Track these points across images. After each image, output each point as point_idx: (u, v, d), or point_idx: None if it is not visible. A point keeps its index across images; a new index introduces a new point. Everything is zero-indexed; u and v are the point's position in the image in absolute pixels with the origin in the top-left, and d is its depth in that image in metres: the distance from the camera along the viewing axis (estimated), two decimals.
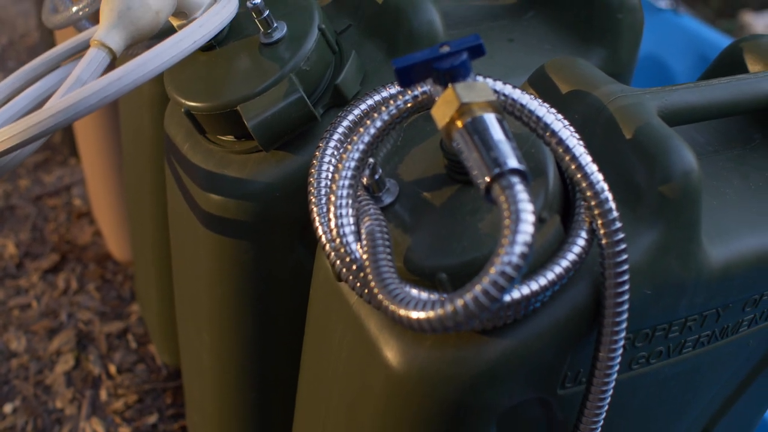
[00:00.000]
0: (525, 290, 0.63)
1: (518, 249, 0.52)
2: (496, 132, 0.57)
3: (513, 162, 0.55)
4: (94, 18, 0.90)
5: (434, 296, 0.61)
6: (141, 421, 1.44)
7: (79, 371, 1.51)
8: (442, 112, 0.59)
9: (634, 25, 0.98)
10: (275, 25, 0.84)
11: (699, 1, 3.21)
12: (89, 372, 1.51)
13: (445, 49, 0.60)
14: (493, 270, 0.52)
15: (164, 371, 1.53)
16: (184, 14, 0.84)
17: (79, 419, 1.43)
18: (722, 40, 1.87)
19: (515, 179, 0.55)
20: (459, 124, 0.58)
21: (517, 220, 0.53)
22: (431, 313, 0.54)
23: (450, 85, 0.59)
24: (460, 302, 0.53)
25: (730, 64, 0.90)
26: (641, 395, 0.81)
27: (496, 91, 0.65)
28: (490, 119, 0.58)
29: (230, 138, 0.87)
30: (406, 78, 0.61)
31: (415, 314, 0.55)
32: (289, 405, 1.02)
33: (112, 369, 1.52)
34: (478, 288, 0.53)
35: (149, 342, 1.58)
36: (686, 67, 1.97)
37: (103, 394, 1.48)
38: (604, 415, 0.71)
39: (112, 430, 1.42)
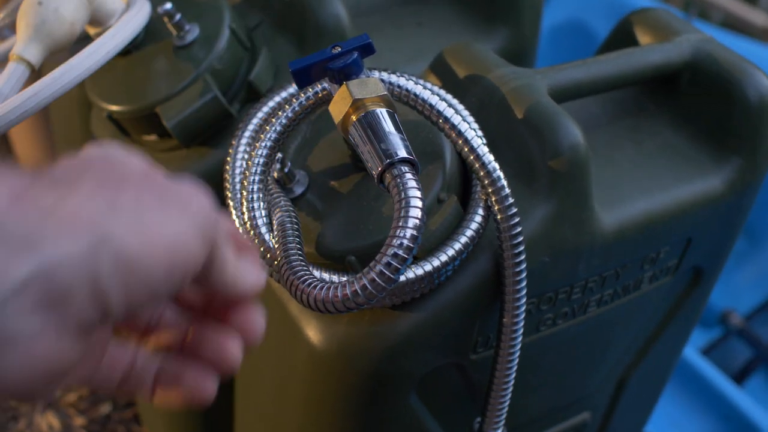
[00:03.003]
0: (428, 267, 0.68)
1: (408, 232, 0.57)
2: (387, 125, 0.62)
3: (402, 152, 0.60)
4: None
5: (339, 279, 0.66)
6: (95, 411, 1.48)
7: None
8: (338, 109, 0.64)
9: (535, 1, 1.03)
10: (187, 27, 0.88)
11: None
12: None
13: (337, 49, 0.65)
14: (386, 253, 0.57)
15: None
16: (98, 23, 0.87)
17: (34, 414, 1.47)
18: (644, 3, 1.93)
19: (404, 168, 0.60)
20: (353, 118, 0.63)
21: (406, 206, 0.58)
22: (335, 296, 0.59)
23: (344, 83, 0.64)
24: (359, 284, 0.58)
25: (622, 38, 0.95)
26: (553, 354, 0.87)
27: (390, 83, 0.69)
28: (382, 113, 0.62)
29: (153, 137, 0.91)
30: (304, 79, 0.66)
31: (321, 296, 0.60)
32: (229, 395, 1.07)
33: None
34: (375, 270, 0.58)
35: None
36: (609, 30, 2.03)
37: None
38: (513, 376, 0.77)
39: (68, 422, 1.46)
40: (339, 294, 0.59)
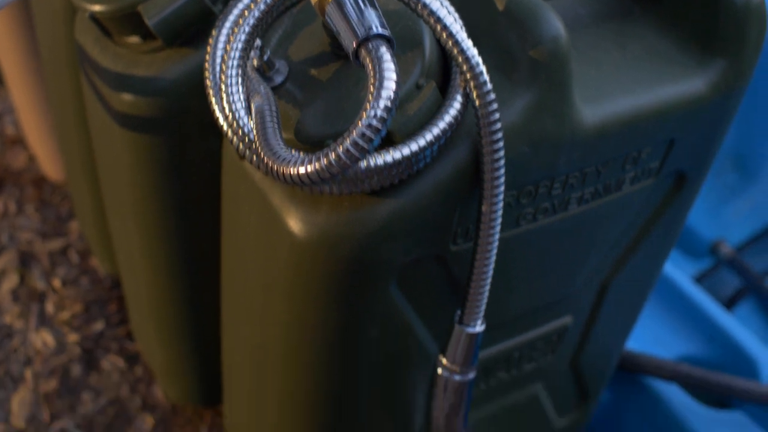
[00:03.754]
0: (406, 150, 0.69)
1: (382, 103, 0.58)
2: (362, 2, 0.62)
3: (377, 27, 0.61)
4: None
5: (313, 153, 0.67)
6: (88, 329, 1.50)
7: (24, 288, 1.56)
8: None
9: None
10: None
11: None
12: (34, 288, 1.57)
13: None
14: (360, 124, 0.58)
15: (107, 282, 1.58)
16: None
17: (27, 331, 1.49)
18: None
19: (379, 43, 0.60)
20: None
21: (381, 78, 0.59)
22: (309, 167, 0.60)
23: None
24: (333, 155, 0.59)
25: None
26: (533, 251, 0.89)
27: None
28: None
29: (136, 39, 0.91)
30: None
31: (295, 169, 0.61)
32: (217, 291, 1.09)
33: (57, 283, 1.57)
34: (348, 140, 0.59)
35: (91, 256, 1.63)
36: None
37: (50, 307, 1.53)
38: (492, 267, 0.78)
39: (61, 339, 1.48)
40: (313, 165, 0.60)
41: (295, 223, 0.76)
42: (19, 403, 1.38)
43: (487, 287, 0.80)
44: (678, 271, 1.63)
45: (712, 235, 1.90)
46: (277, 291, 0.83)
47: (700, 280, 1.86)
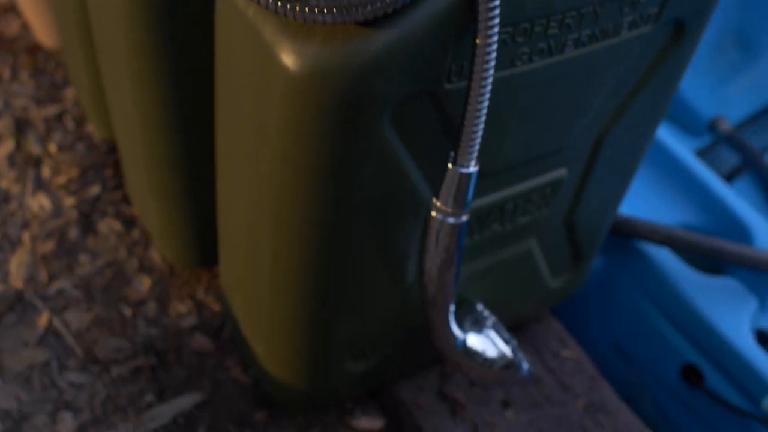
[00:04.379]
0: None
1: None
2: None
3: None
4: None
5: None
6: (85, 193, 1.51)
7: (20, 153, 1.56)
8: None
9: None
10: None
11: None
12: (30, 153, 1.57)
13: None
14: None
15: (103, 147, 1.58)
16: None
17: (24, 196, 1.49)
18: None
19: None
20: None
21: None
22: None
23: None
24: None
25: None
26: (529, 95, 0.88)
27: None
28: None
29: None
30: None
31: None
32: (214, 149, 1.09)
33: (53, 148, 1.57)
34: None
35: (86, 122, 1.63)
36: None
37: (46, 172, 1.54)
38: (486, 103, 0.78)
39: (58, 203, 1.49)
40: None
41: (287, 57, 0.75)
42: (17, 264, 1.40)
43: (481, 126, 0.79)
44: (678, 143, 1.63)
45: (711, 112, 1.90)
46: (271, 129, 0.82)
47: (699, 155, 1.85)
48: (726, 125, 1.87)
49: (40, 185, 1.51)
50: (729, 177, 1.85)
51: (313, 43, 0.74)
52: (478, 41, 0.74)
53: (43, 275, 1.39)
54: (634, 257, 1.43)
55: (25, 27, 1.81)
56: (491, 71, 0.76)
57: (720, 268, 1.47)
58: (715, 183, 1.54)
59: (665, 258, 1.41)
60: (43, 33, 1.72)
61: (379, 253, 0.97)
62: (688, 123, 1.88)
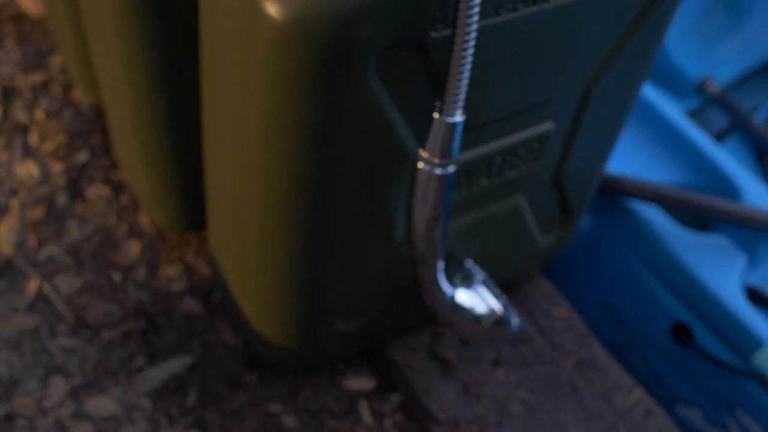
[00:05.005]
0: None
1: None
2: None
3: None
4: None
5: None
6: (73, 159, 1.50)
7: (7, 122, 1.55)
8: None
9: None
10: None
11: None
12: (17, 120, 1.56)
13: None
14: None
15: (90, 113, 1.57)
16: None
17: (12, 163, 1.49)
18: None
19: None
20: None
21: None
22: None
23: None
24: None
25: None
26: (514, 46, 0.88)
27: None
28: None
29: None
30: None
31: None
32: (198, 107, 1.08)
33: (40, 115, 1.56)
34: None
35: (73, 89, 1.62)
36: None
37: (34, 138, 1.53)
38: (471, 51, 0.78)
39: (46, 170, 1.48)
40: None
41: (271, 6, 0.74)
42: (6, 231, 1.39)
43: (467, 74, 0.79)
44: (667, 103, 1.63)
45: (699, 74, 1.90)
46: (256, 82, 0.82)
47: (689, 117, 1.85)
48: (714, 87, 1.87)
49: (28, 152, 1.51)
50: (718, 137, 1.85)
51: None
52: None
53: (32, 241, 1.39)
54: (622, 216, 1.43)
55: None
56: (475, 18, 0.75)
57: (708, 225, 1.47)
58: (704, 142, 1.54)
59: (654, 216, 1.42)
60: (28, 1, 1.71)
61: (366, 210, 0.97)
62: (676, 85, 1.88)
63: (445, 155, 0.85)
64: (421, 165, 0.87)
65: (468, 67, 0.79)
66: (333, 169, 0.88)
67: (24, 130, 1.54)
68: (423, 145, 0.86)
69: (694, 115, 1.87)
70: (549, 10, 0.86)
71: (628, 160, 1.52)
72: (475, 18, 0.75)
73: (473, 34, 0.77)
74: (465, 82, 0.80)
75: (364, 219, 0.98)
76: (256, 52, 0.80)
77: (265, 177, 0.91)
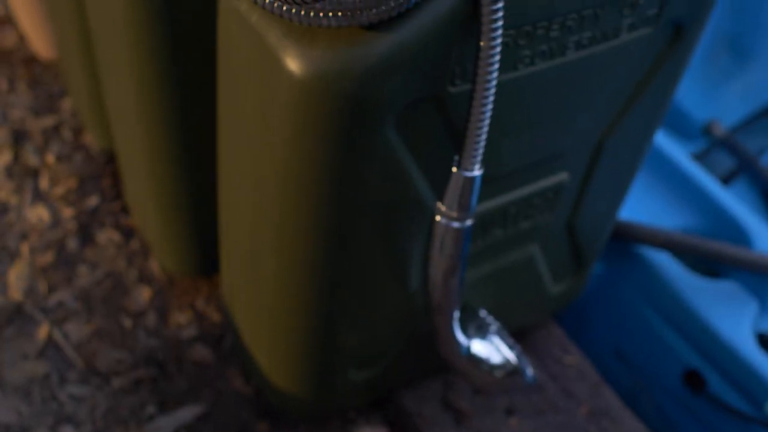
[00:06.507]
0: None
1: None
2: None
3: None
4: None
5: None
6: (83, 204, 1.50)
7: (18, 165, 1.56)
8: None
9: None
10: None
11: None
12: (28, 164, 1.56)
13: None
14: None
15: (101, 158, 1.58)
16: None
17: (22, 207, 1.49)
18: None
19: None
20: None
21: None
22: None
23: None
24: None
25: None
26: (531, 98, 0.88)
27: None
28: None
29: None
30: None
31: None
32: (214, 155, 1.09)
33: (50, 159, 1.57)
34: None
35: (84, 133, 1.62)
36: None
37: (44, 183, 1.53)
38: (490, 108, 0.78)
39: (56, 214, 1.48)
40: None
41: (291, 61, 0.75)
42: (17, 276, 1.39)
43: (486, 128, 0.79)
44: (674, 147, 1.63)
45: (705, 116, 1.90)
46: (275, 134, 0.82)
47: (695, 160, 1.86)
48: (720, 129, 1.88)
49: (39, 196, 1.51)
50: (725, 180, 1.85)
51: (318, 47, 0.74)
52: (481, 44, 0.74)
53: (42, 287, 1.39)
54: (634, 262, 1.43)
55: (21, 38, 1.81)
56: (495, 74, 0.76)
57: (720, 271, 1.47)
58: (712, 186, 1.54)
59: (665, 262, 1.42)
60: (40, 44, 1.72)
61: (383, 259, 0.97)
62: (683, 127, 1.89)
63: (463, 209, 0.85)
64: (438, 218, 0.87)
65: (487, 122, 0.79)
66: (351, 221, 0.88)
67: (35, 173, 1.55)
68: (441, 198, 0.86)
69: (701, 157, 1.88)
70: (565, 63, 0.87)
71: (636, 203, 1.53)
72: (495, 73, 0.76)
73: (493, 90, 0.77)
74: (484, 136, 0.80)
75: (381, 268, 0.98)
76: (275, 105, 0.80)
77: (281, 226, 0.90)
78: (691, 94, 1.91)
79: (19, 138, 1.60)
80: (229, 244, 1.11)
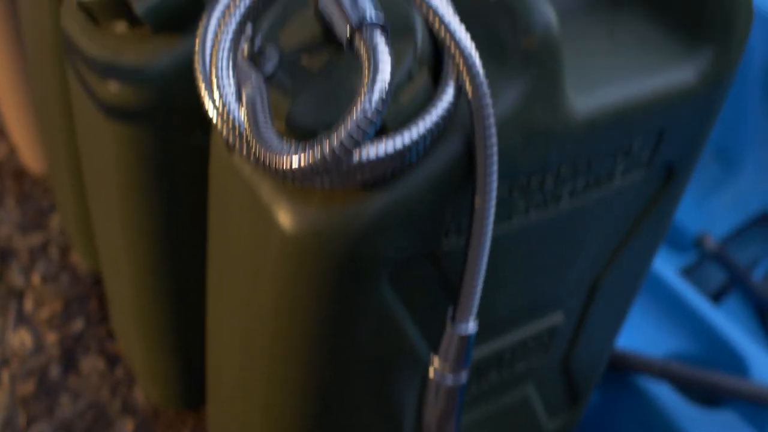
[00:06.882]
0: (399, 141, 0.67)
1: (377, 95, 0.56)
2: None
3: (371, 14, 0.59)
4: None
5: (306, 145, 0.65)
6: (68, 328, 1.48)
7: (2, 285, 1.53)
8: None
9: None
10: None
11: None
12: (12, 284, 1.54)
13: None
14: (354, 115, 0.56)
15: (88, 279, 1.56)
16: None
17: (5, 330, 1.46)
18: None
19: (374, 31, 0.58)
20: None
21: (375, 68, 0.57)
22: (302, 159, 0.58)
23: None
24: (326, 146, 0.57)
25: None
26: (526, 247, 0.87)
27: None
28: None
29: (124, 26, 0.89)
30: None
31: (287, 162, 0.59)
32: (203, 288, 1.07)
33: (36, 280, 1.55)
34: (341, 132, 0.57)
35: (72, 251, 1.60)
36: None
37: (29, 305, 1.51)
38: (485, 262, 0.76)
39: (39, 339, 1.45)
40: (307, 157, 0.58)
41: (285, 218, 0.73)
42: None
43: (480, 283, 0.78)
44: (664, 264, 1.62)
45: (696, 227, 1.90)
46: (266, 286, 0.81)
47: (685, 273, 1.85)
48: (712, 242, 1.88)
49: (22, 319, 1.48)
50: (717, 295, 1.84)
51: (312, 206, 0.72)
52: (477, 201, 0.73)
53: (22, 419, 1.35)
54: (629, 391, 1.41)
55: (12, 150, 1.81)
56: (490, 229, 0.75)
57: (718, 400, 1.44)
58: (705, 307, 1.52)
59: (662, 392, 1.39)
60: (31, 157, 1.71)
61: (375, 409, 0.94)
62: (673, 240, 1.88)
63: (458, 365, 0.83)
64: (432, 372, 0.85)
65: (482, 275, 0.78)
66: (342, 373, 0.86)
67: (19, 295, 1.52)
68: (435, 351, 0.84)
69: (692, 270, 1.87)
70: (560, 211, 0.86)
71: (627, 326, 1.51)
72: (490, 229, 0.75)
73: (488, 244, 0.76)
74: (479, 290, 0.79)
75: (372, 417, 0.95)
76: (266, 258, 0.79)
77: (270, 375, 0.88)
78: (681, 205, 1.91)
79: (5, 256, 1.58)
80: (217, 382, 1.08)
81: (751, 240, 2.03)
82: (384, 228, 0.73)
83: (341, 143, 0.57)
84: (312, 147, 0.58)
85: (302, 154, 0.58)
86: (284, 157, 0.59)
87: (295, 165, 0.59)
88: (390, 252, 0.75)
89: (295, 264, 0.76)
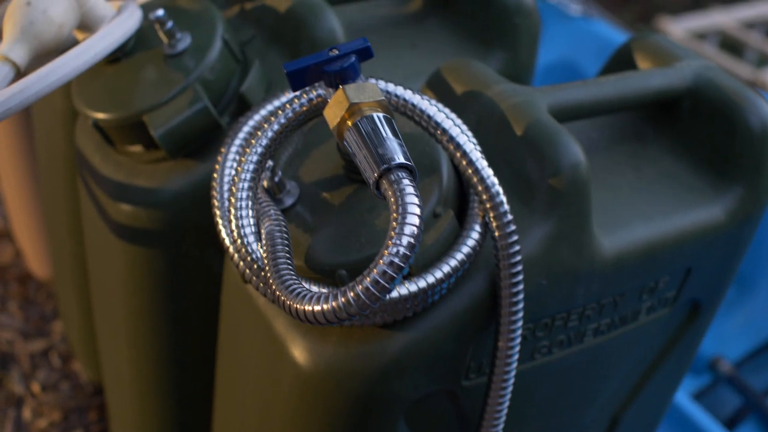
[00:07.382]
0: (422, 283, 0.65)
1: (405, 240, 0.54)
2: (384, 130, 0.59)
3: (400, 157, 0.57)
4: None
5: (329, 290, 0.63)
6: None
7: (1, 392, 1.50)
8: (333, 113, 0.61)
9: (531, 27, 1.01)
10: (179, 36, 0.85)
11: (617, 7, 3.30)
12: (12, 392, 1.50)
13: (335, 52, 0.62)
14: (382, 261, 0.54)
15: (89, 388, 1.52)
16: (88, 27, 0.84)
17: None
18: None
19: (402, 174, 0.57)
20: (349, 123, 0.60)
21: (404, 213, 0.55)
22: (326, 306, 0.56)
23: (340, 86, 0.61)
24: (351, 294, 0.55)
25: (622, 62, 0.94)
26: (547, 385, 0.84)
27: (389, 93, 0.67)
28: (379, 118, 0.60)
29: (139, 148, 0.88)
30: (298, 81, 0.63)
31: (310, 307, 0.57)
32: (208, 412, 1.03)
33: (36, 388, 1.51)
34: (368, 279, 0.55)
35: (73, 359, 1.57)
36: (599, 70, 2.01)
37: (27, 413, 1.47)
38: (507, 404, 0.74)
39: None
40: (330, 305, 0.56)
41: (300, 354, 0.71)
42: None
43: (501, 427, 0.75)
44: (679, 391, 1.58)
45: (710, 350, 1.87)
46: (277, 419, 0.78)
47: (699, 397, 1.81)
48: (726, 365, 1.84)
49: (20, 428, 1.44)
50: (732, 421, 1.80)
51: (329, 343, 0.70)
52: (500, 344, 0.71)
53: None
54: None
55: (18, 254, 1.79)
56: (513, 372, 0.72)
57: None
58: None
59: None
60: (37, 262, 1.69)
61: None
62: None
63: None
64: None
65: (503, 417, 0.75)
66: None
67: (18, 402, 1.48)
68: None
69: (706, 393, 1.83)
70: (583, 349, 0.83)
71: None
72: (513, 369, 0.72)
73: (510, 386, 0.73)
74: (500, 429, 0.76)
75: None
76: (279, 389, 0.76)
77: None
78: None
79: (6, 362, 1.55)
80: None
81: (765, 363, 1.99)
82: (403, 368, 0.70)
83: (367, 290, 0.55)
84: (336, 295, 0.56)
85: (324, 302, 0.56)
86: (305, 304, 0.57)
87: (317, 310, 0.57)
88: (408, 392, 0.72)
89: (309, 400, 0.73)
